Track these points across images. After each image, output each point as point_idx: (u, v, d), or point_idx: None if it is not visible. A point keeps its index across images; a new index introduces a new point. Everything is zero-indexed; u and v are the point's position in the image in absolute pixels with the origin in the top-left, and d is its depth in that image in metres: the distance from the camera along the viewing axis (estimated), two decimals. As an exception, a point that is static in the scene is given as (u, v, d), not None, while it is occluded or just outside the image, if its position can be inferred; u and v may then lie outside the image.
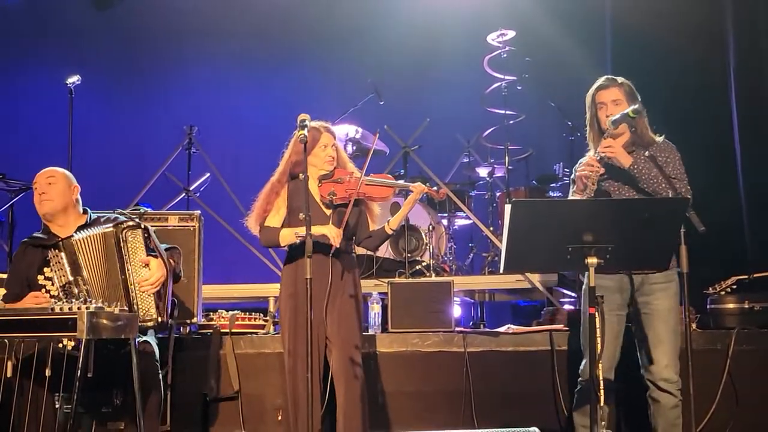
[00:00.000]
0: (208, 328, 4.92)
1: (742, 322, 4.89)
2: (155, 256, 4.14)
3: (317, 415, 4.07)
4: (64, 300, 3.82)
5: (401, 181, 4.38)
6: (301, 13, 8.70)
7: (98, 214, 4.36)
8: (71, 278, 4.02)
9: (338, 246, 4.08)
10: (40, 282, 4.03)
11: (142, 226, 4.16)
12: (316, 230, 3.99)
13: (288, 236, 4.18)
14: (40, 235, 4.22)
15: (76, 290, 4.00)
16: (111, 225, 4.13)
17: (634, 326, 4.06)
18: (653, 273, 3.92)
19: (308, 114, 4.10)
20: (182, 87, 8.85)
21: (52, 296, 3.99)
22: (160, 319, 4.09)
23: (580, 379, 4.10)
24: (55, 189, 4.21)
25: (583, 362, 4.03)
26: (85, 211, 4.31)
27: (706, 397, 4.63)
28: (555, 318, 5.28)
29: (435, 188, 4.37)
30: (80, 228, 4.20)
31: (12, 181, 6.31)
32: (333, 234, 4.07)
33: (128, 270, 4.08)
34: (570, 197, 4.09)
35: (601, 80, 4.11)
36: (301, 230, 3.90)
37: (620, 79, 4.09)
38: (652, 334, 3.96)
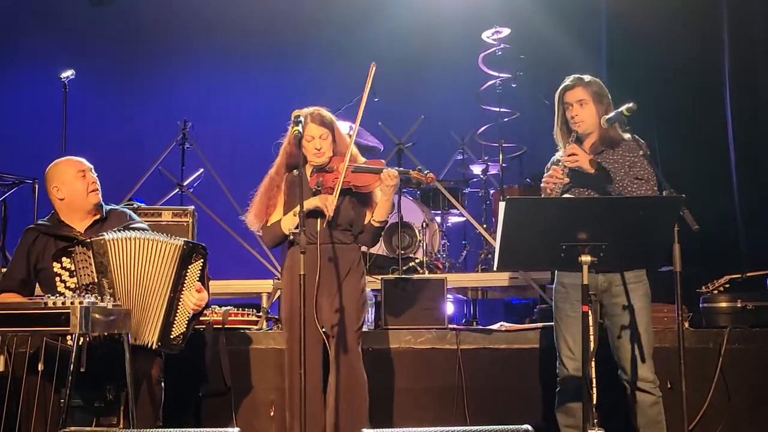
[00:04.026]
0: (201, 324, 4.90)
1: (735, 320, 4.91)
2: (204, 286, 4.06)
3: (319, 406, 4.07)
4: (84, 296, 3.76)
5: (399, 169, 4.23)
6: (296, 9, 8.68)
7: (111, 206, 4.28)
8: (96, 279, 3.85)
9: (332, 215, 4.00)
10: (55, 270, 3.86)
11: (207, 254, 4.08)
12: (309, 203, 3.98)
13: (288, 221, 4.10)
14: (48, 223, 4.11)
15: (98, 291, 3.82)
16: (178, 241, 3.98)
17: (607, 328, 4.06)
18: (625, 272, 3.91)
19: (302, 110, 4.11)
20: (176, 82, 8.82)
21: (68, 287, 3.86)
22: (181, 345, 4.01)
23: (559, 379, 4.11)
24: (98, 182, 4.16)
25: (558, 362, 4.06)
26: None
27: (699, 395, 4.65)
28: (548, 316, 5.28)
29: (426, 171, 4.17)
30: (96, 222, 4.13)
31: (5, 176, 6.30)
32: (324, 202, 3.99)
33: (181, 290, 3.98)
34: None
35: (567, 80, 4.11)
36: (307, 203, 3.94)
37: (587, 78, 4.08)
38: (624, 334, 3.95)
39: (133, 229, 4.05)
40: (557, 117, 4.16)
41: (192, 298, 3.99)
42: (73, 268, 3.87)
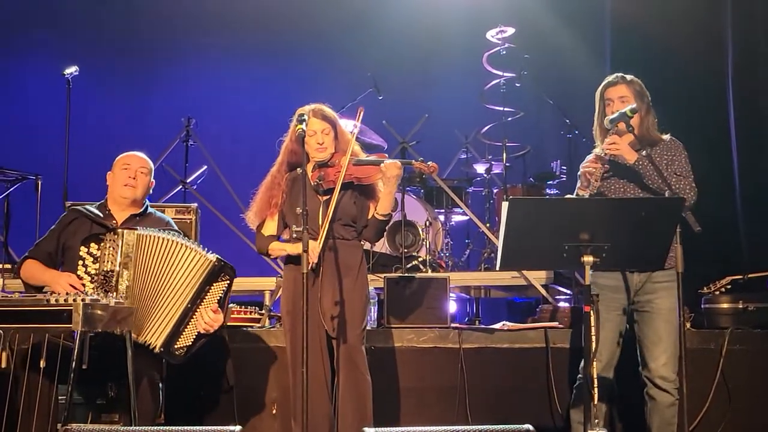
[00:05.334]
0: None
1: (736, 322, 4.90)
2: (222, 310, 4.06)
3: (327, 406, 4.05)
4: (100, 285, 3.82)
5: (402, 160, 4.16)
6: (301, 6, 8.68)
7: (154, 211, 4.38)
8: (118, 268, 3.89)
9: (314, 261, 3.95)
10: (81, 253, 3.94)
11: (235, 277, 4.10)
12: (291, 249, 4.06)
13: (277, 250, 4.16)
14: (96, 211, 4.20)
15: (115, 280, 3.87)
16: (212, 256, 4.01)
17: (636, 324, 4.07)
18: (657, 271, 3.92)
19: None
20: (180, 79, 8.83)
21: (88, 272, 3.92)
22: (182, 357, 4.01)
23: (579, 376, 4.11)
24: (143, 180, 4.26)
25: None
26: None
27: (699, 396, 4.64)
28: (550, 315, 5.28)
29: (428, 162, 4.05)
30: (133, 216, 4.21)
31: (8, 172, 6.30)
32: (312, 249, 3.94)
33: (199, 304, 3.99)
34: (575, 193, 4.07)
35: (610, 77, 4.14)
36: (293, 247, 4.00)
37: (630, 77, 4.11)
38: (652, 332, 3.97)
39: (169, 232, 4.10)
40: (597, 113, 4.18)
41: (206, 316, 3.99)
42: (98, 255, 3.94)
